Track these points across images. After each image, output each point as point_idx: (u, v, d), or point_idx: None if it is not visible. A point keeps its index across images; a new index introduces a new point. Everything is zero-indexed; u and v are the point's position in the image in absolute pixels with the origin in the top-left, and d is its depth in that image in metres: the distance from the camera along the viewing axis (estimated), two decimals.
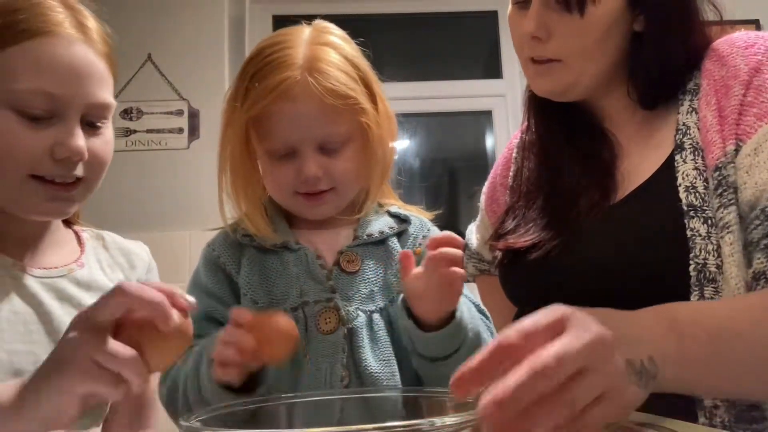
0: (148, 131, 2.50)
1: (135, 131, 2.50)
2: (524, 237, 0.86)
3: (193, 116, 2.52)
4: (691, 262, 0.72)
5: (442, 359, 0.73)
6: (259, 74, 0.76)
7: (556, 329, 0.49)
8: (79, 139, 0.76)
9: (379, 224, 0.82)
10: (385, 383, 0.74)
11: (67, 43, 0.76)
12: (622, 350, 0.52)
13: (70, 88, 0.76)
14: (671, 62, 0.84)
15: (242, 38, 2.64)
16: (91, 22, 0.81)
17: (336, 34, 0.81)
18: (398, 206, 0.87)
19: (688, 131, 0.80)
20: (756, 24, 2.74)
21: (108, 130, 0.83)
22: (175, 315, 0.61)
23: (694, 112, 0.82)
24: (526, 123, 0.99)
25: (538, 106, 0.95)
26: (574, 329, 0.49)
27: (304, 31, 0.80)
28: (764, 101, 0.76)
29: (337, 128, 0.77)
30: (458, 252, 0.72)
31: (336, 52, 0.78)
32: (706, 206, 0.74)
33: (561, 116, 0.93)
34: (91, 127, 0.79)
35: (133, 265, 0.94)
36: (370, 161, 0.80)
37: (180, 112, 2.52)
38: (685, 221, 0.73)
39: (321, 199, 0.79)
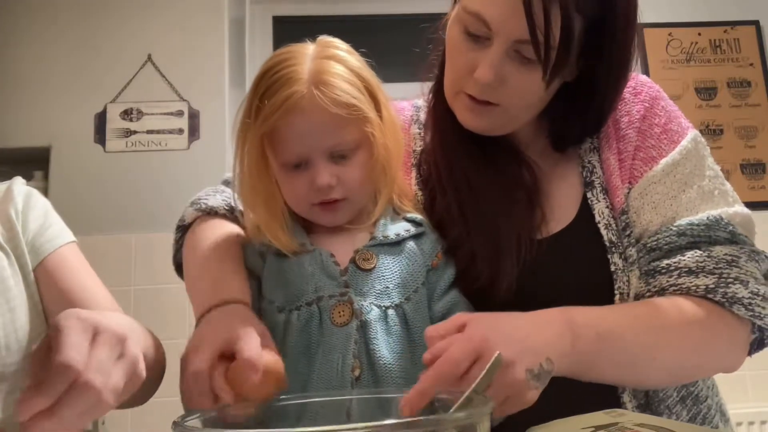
0: (149, 132, 2.51)
1: (135, 132, 2.50)
2: (473, 271, 0.84)
3: (194, 117, 2.52)
4: (615, 291, 0.83)
5: None
6: (268, 92, 0.80)
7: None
8: None
9: (396, 228, 0.85)
10: (397, 376, 0.76)
11: None
12: (525, 361, 0.65)
13: None
14: (599, 113, 0.88)
15: (242, 39, 2.63)
16: None
17: (340, 48, 0.84)
18: (414, 214, 0.88)
19: (594, 170, 0.88)
20: (756, 24, 2.73)
21: None
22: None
23: (596, 151, 0.89)
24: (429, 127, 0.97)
25: (443, 115, 0.91)
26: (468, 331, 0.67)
27: (309, 48, 0.83)
28: (650, 146, 0.87)
29: (345, 137, 0.80)
30: None
31: (340, 65, 0.81)
32: (620, 243, 0.84)
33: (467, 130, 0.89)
34: None
35: (13, 204, 0.91)
36: (376, 168, 0.83)
37: (180, 113, 2.52)
38: (608, 256, 0.84)
39: (335, 206, 0.83)
